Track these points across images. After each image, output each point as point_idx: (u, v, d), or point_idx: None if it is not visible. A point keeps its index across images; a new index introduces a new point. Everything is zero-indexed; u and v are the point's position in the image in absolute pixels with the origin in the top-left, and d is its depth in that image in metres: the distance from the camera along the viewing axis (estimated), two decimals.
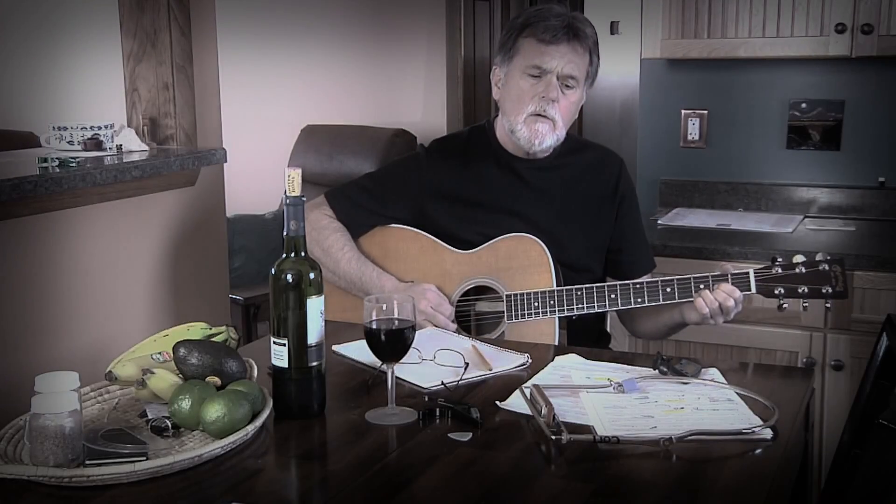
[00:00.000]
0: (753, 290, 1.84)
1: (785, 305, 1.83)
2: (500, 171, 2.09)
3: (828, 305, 1.86)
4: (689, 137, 3.25)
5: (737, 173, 3.20)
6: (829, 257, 1.83)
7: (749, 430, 1.39)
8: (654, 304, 1.89)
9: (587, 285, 1.93)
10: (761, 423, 1.41)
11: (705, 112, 3.22)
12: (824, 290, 1.81)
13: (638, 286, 1.90)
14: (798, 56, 2.85)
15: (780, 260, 1.84)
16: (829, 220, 3.01)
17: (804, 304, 1.84)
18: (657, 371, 1.63)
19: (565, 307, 1.93)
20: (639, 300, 1.90)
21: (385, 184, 2.14)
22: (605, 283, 1.94)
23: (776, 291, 1.83)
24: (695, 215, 3.10)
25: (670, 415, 1.46)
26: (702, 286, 1.86)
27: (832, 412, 2.57)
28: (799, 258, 1.83)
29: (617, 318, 2.19)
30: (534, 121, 1.98)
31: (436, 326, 1.95)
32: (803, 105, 3.09)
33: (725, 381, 1.61)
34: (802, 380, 1.67)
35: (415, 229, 2.08)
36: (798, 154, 3.12)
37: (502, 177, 2.08)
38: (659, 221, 3.00)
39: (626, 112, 4.15)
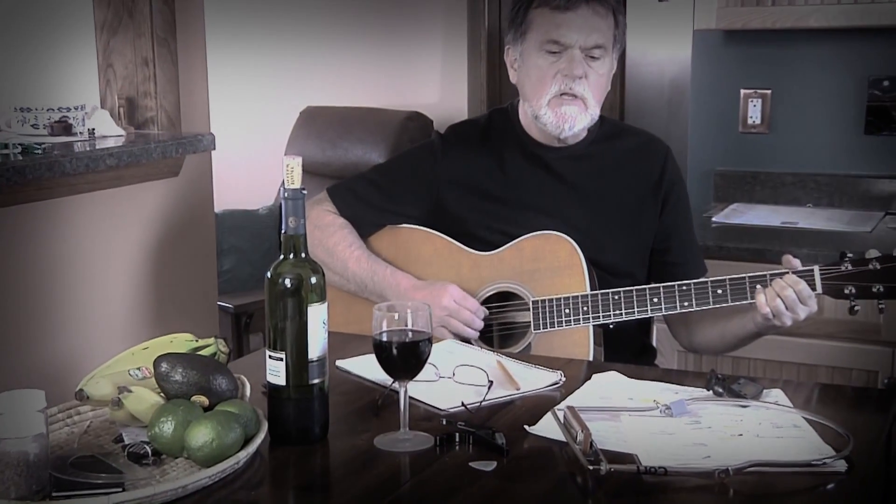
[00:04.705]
0: (819, 289, 1.83)
1: (857, 307, 1.82)
2: (525, 161, 2.09)
3: None
4: (750, 121, 3.24)
5: (805, 163, 3.19)
6: None
7: (819, 462, 1.38)
8: (703, 308, 1.89)
9: (625, 289, 1.93)
10: (834, 453, 1.41)
11: (768, 92, 3.21)
12: None
13: (684, 288, 1.90)
14: (879, 25, 2.84)
15: (850, 255, 1.83)
16: None
17: (880, 306, 1.83)
18: (711, 392, 1.63)
19: (600, 314, 1.93)
20: (685, 304, 1.90)
21: (395, 177, 2.15)
22: (647, 286, 1.94)
23: (846, 291, 1.82)
24: (755, 212, 3.09)
25: (726, 442, 1.46)
26: (758, 286, 1.85)
27: None
28: (873, 252, 1.82)
29: (666, 329, 2.19)
30: (559, 103, 1.98)
31: (458, 326, 1.96)
32: (885, 83, 3.07)
33: (791, 405, 1.61)
34: (882, 403, 1.66)
35: (428, 229, 2.09)
36: (878, 140, 3.10)
37: (528, 168, 2.09)
38: (713, 219, 2.99)
39: (676, 92, 4.13)
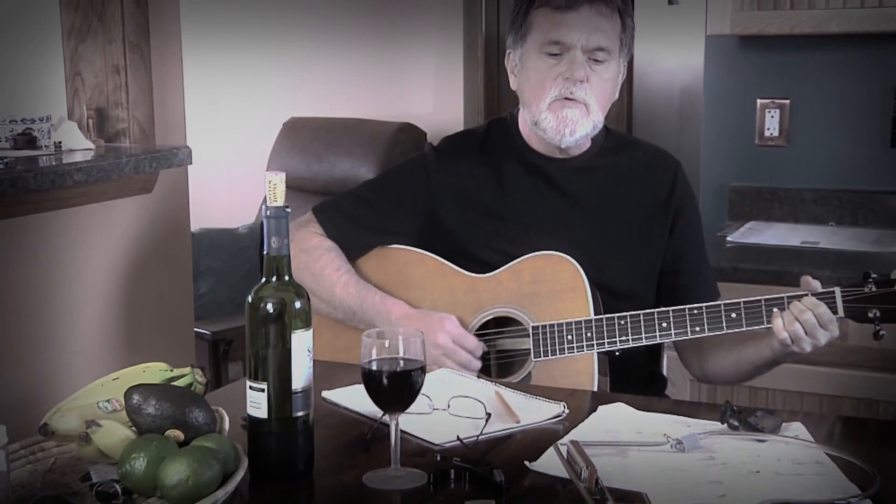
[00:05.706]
0: (841, 312, 1.84)
1: (882, 332, 1.83)
2: (525, 174, 2.10)
3: None
4: (767, 134, 3.25)
5: (827, 178, 3.20)
6: None
7: (843, 501, 1.38)
8: (715, 333, 1.90)
9: (632, 313, 1.93)
10: (859, 492, 1.41)
11: (787, 102, 3.22)
12: None
13: (695, 312, 1.90)
14: None
15: (874, 276, 1.84)
16: None
17: None
18: (726, 425, 1.63)
19: (605, 340, 1.94)
20: (697, 329, 1.90)
21: (385, 193, 2.16)
22: (655, 310, 1.94)
23: (870, 314, 1.83)
24: (773, 231, 3.09)
25: (743, 480, 1.46)
26: (775, 309, 1.86)
27: None
28: None
29: (677, 357, 2.20)
30: (560, 106, 2.00)
31: (456, 365, 1.96)
32: None
33: (812, 439, 1.61)
34: None
35: (419, 250, 2.10)
36: None
37: (528, 181, 2.10)
38: (728, 238, 3.00)
39: (688, 102, 4.15)
